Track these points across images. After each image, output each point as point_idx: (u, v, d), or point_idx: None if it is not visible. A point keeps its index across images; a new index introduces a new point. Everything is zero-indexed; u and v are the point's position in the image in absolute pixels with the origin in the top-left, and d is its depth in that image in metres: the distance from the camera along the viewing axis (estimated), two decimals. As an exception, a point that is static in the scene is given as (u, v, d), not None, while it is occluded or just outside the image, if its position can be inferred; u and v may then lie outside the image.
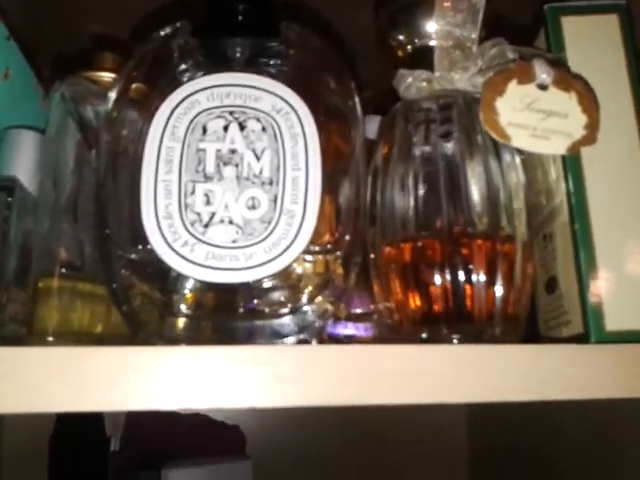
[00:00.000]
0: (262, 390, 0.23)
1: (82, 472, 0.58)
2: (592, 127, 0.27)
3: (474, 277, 0.27)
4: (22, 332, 0.27)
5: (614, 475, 0.44)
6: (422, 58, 0.32)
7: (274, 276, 0.27)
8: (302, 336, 0.27)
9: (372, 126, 0.36)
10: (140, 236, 0.26)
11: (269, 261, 0.26)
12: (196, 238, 0.26)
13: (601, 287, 0.28)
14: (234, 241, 0.26)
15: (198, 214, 0.26)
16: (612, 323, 0.28)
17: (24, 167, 0.30)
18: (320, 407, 0.24)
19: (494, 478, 0.64)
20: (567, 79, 0.27)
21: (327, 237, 0.29)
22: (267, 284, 0.27)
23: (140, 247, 0.26)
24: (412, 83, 0.30)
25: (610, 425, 0.45)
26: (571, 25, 0.31)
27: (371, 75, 0.36)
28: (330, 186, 0.29)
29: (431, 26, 0.32)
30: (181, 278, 0.27)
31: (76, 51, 0.38)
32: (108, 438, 0.63)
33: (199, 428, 0.66)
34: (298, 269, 0.28)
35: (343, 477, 0.66)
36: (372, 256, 0.30)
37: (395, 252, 0.29)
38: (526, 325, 0.32)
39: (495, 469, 0.63)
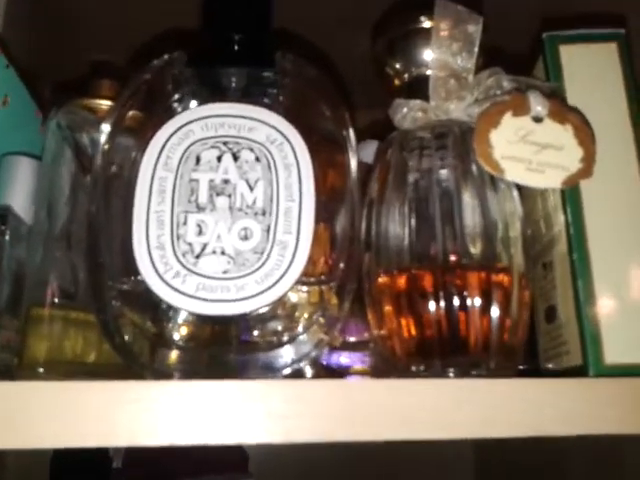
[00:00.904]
0: (252, 426, 0.23)
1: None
2: (588, 160, 0.26)
3: (469, 306, 0.27)
4: (14, 362, 0.27)
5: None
6: (418, 87, 0.32)
7: (268, 307, 0.27)
8: (297, 366, 0.27)
9: (369, 151, 0.36)
10: (131, 266, 0.26)
11: (261, 292, 0.26)
12: (187, 269, 0.26)
13: (600, 318, 0.28)
14: (225, 272, 0.26)
15: (190, 244, 0.26)
16: (611, 356, 0.27)
17: (20, 194, 0.30)
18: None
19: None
20: (563, 111, 0.27)
21: (321, 266, 0.28)
22: (262, 312, 0.27)
23: (132, 278, 0.26)
24: (407, 113, 0.30)
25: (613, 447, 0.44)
26: (569, 53, 0.31)
27: (369, 102, 0.36)
28: (325, 214, 0.28)
29: (428, 55, 0.32)
30: (173, 309, 0.27)
31: (76, 78, 0.38)
32: (110, 457, 0.62)
33: (202, 446, 0.65)
34: (292, 298, 0.28)
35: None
36: (366, 285, 0.30)
37: (389, 281, 0.29)
38: (528, 358, 0.32)
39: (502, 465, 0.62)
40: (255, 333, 0.27)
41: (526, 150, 0.26)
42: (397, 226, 0.29)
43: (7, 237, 0.27)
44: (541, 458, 0.54)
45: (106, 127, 0.29)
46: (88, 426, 0.22)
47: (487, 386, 0.25)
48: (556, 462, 0.52)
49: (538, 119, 0.27)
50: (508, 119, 0.27)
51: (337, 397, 0.24)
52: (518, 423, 0.25)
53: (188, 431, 0.23)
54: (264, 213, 0.27)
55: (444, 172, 0.29)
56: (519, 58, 0.33)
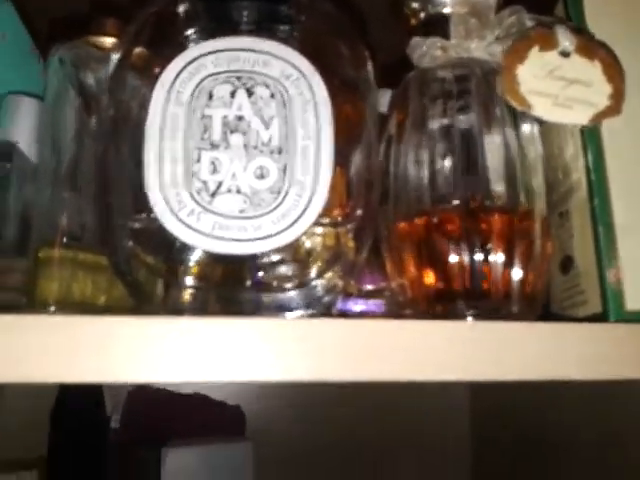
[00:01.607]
0: (263, 364, 0.22)
1: (81, 448, 0.58)
2: (617, 97, 0.25)
3: (492, 254, 0.26)
4: (23, 302, 0.26)
5: (613, 453, 0.44)
6: (436, 26, 0.31)
7: (282, 250, 0.26)
8: (310, 311, 0.26)
9: (382, 100, 0.34)
10: (144, 204, 0.25)
11: (278, 233, 0.25)
12: (202, 207, 0.25)
13: (621, 265, 0.27)
14: (242, 211, 0.25)
15: (204, 182, 0.25)
16: (633, 302, 0.27)
17: (23, 134, 0.29)
18: (324, 383, 0.23)
19: (497, 465, 0.63)
20: (591, 47, 0.26)
21: (338, 211, 0.28)
22: (274, 258, 0.27)
23: (144, 215, 0.25)
24: (427, 51, 0.29)
25: (613, 408, 0.45)
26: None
27: (383, 44, 0.35)
28: (341, 158, 0.27)
29: (446, -8, 0.30)
30: (186, 248, 0.26)
31: (75, 15, 0.36)
32: (108, 416, 0.62)
33: (200, 408, 0.65)
34: (307, 243, 0.27)
35: (344, 459, 0.66)
36: (385, 232, 0.29)
37: (409, 227, 0.28)
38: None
39: (498, 456, 0.63)
40: (268, 275, 0.26)
41: (553, 85, 0.25)
42: (417, 169, 0.28)
43: (13, 175, 0.26)
44: (540, 427, 0.54)
45: (112, 62, 0.27)
46: (89, 361, 0.21)
47: (507, 329, 0.25)
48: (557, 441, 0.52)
49: (566, 54, 0.26)
50: (535, 54, 0.26)
51: (350, 336, 0.23)
52: (536, 367, 0.25)
53: (197, 368, 0.22)
54: (280, 152, 0.26)
55: (466, 117, 0.28)
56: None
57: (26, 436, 0.58)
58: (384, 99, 0.34)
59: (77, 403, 0.59)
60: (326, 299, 0.27)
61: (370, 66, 0.28)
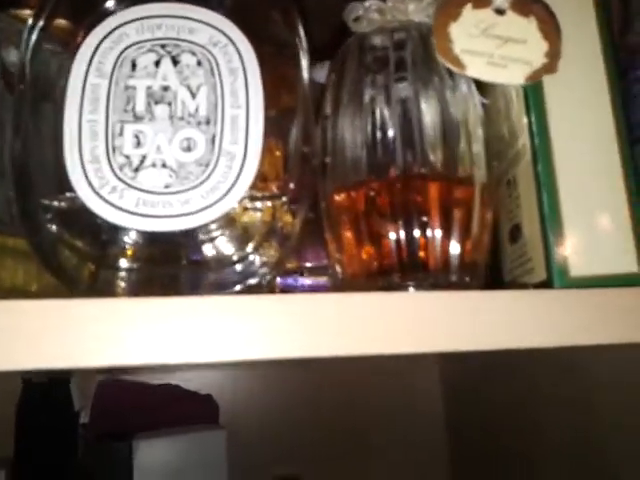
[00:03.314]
0: (206, 344, 0.21)
1: (50, 445, 0.56)
2: (553, 55, 0.25)
3: (429, 224, 0.26)
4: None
5: (587, 416, 0.43)
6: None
7: (218, 225, 0.25)
8: (248, 285, 0.25)
9: (322, 73, 0.33)
10: (66, 184, 0.24)
11: (207, 207, 0.24)
12: (125, 183, 0.24)
13: (565, 232, 0.26)
14: (167, 186, 0.24)
15: (127, 157, 0.24)
16: (576, 269, 0.27)
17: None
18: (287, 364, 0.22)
19: (473, 445, 0.63)
20: (526, 3, 0.25)
21: (274, 184, 0.27)
22: (211, 234, 0.25)
23: (67, 195, 0.24)
24: (363, 15, 0.28)
25: (578, 369, 0.44)
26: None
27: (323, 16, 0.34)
28: (277, 129, 0.26)
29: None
30: (117, 228, 0.25)
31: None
32: (77, 411, 0.61)
33: (171, 398, 0.65)
34: (244, 218, 0.26)
35: (316, 446, 0.65)
36: (323, 206, 0.28)
37: (347, 201, 0.27)
38: (492, 273, 0.31)
39: (474, 435, 0.63)
40: (204, 252, 0.25)
41: (488, 44, 0.24)
42: (353, 137, 0.27)
43: None
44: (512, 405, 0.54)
45: (31, 35, 0.26)
46: (30, 348, 0.20)
47: (450, 299, 0.24)
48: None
49: (500, 11, 0.25)
50: (468, 11, 0.25)
51: (294, 311, 0.22)
52: (484, 335, 0.24)
53: (166, 349, 0.21)
54: (208, 122, 0.25)
55: (403, 85, 0.27)
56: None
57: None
58: (323, 71, 0.33)
59: (44, 399, 0.57)
60: (264, 273, 0.26)
61: (302, 32, 0.27)
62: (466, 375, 0.64)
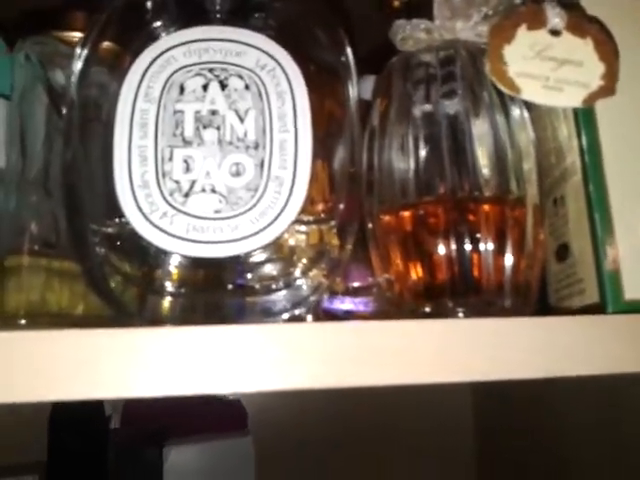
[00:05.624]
0: (252, 373, 0.21)
1: (82, 450, 0.57)
2: (610, 77, 0.24)
3: (481, 245, 0.25)
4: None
5: (617, 445, 0.43)
6: (419, 8, 0.29)
7: (264, 249, 0.25)
8: (296, 312, 0.25)
9: (366, 86, 0.33)
10: (116, 209, 0.24)
11: (257, 232, 0.24)
12: (175, 209, 0.24)
13: (618, 252, 0.26)
14: (217, 211, 0.24)
15: (177, 182, 0.24)
16: (631, 291, 0.26)
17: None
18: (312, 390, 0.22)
19: (501, 462, 0.63)
20: (582, 24, 0.24)
21: (320, 206, 0.26)
22: (257, 258, 0.25)
23: (116, 220, 0.24)
24: (410, 34, 0.27)
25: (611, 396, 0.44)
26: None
27: (366, 32, 0.33)
28: (322, 150, 0.26)
29: (429, -29, 0.29)
30: (164, 253, 0.25)
31: (45, 9, 0.35)
32: (108, 416, 0.62)
33: (200, 404, 0.65)
34: (290, 241, 0.26)
35: (345, 454, 0.65)
36: (370, 226, 0.28)
37: (394, 221, 0.27)
38: (537, 297, 0.30)
39: (502, 452, 0.62)
40: (250, 277, 0.25)
41: (543, 66, 0.24)
42: (401, 159, 0.27)
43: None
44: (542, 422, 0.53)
45: (79, 58, 0.26)
46: (74, 378, 0.20)
47: (498, 326, 0.24)
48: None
49: (555, 32, 0.24)
50: (523, 33, 0.24)
51: (341, 340, 0.22)
52: (532, 364, 0.24)
53: (181, 380, 0.21)
54: (257, 146, 0.24)
55: (452, 102, 0.27)
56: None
57: (25, 440, 0.57)
58: (368, 85, 0.33)
59: (75, 405, 0.58)
60: (312, 298, 0.26)
61: (349, 51, 0.27)
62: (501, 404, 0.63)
